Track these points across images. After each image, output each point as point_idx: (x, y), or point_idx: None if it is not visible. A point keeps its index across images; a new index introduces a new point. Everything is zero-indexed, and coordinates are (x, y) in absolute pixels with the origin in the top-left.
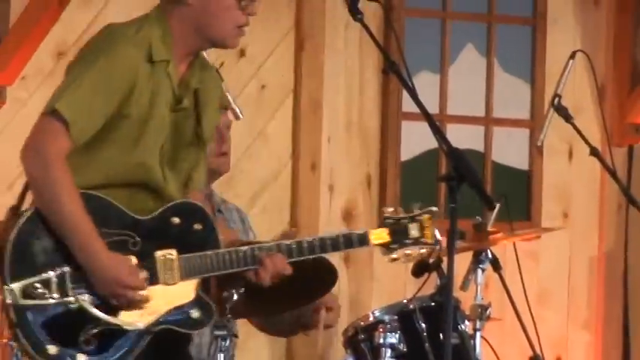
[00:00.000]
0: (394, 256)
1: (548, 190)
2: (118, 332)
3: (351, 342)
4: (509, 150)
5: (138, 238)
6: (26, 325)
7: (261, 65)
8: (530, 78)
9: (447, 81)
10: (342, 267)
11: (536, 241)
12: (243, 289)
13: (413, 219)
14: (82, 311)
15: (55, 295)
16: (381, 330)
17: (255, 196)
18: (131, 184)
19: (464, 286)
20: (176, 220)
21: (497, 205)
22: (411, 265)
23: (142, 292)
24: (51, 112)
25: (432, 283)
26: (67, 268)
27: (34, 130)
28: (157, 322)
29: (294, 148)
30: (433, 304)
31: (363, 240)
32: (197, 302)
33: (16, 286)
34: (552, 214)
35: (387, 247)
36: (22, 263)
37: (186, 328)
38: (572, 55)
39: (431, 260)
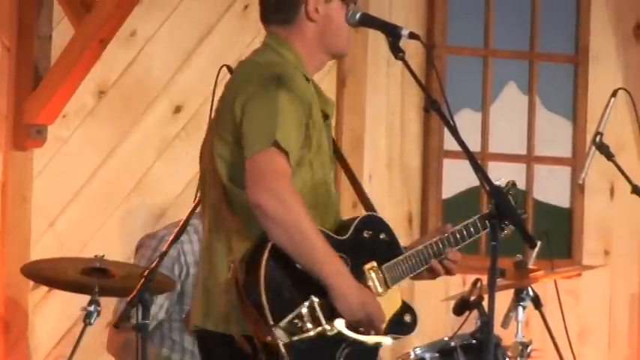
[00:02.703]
0: (505, 232)
1: (589, 228)
2: (361, 349)
3: None
4: (551, 188)
5: (347, 258)
6: None
7: None
8: (572, 116)
9: (489, 119)
10: None
11: (577, 278)
12: None
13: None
14: (338, 336)
15: (311, 326)
16: None
17: None
18: (317, 204)
19: (505, 324)
20: (367, 233)
21: (539, 243)
22: (452, 303)
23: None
24: (270, 147)
25: (472, 320)
26: (315, 299)
27: (258, 170)
28: (386, 334)
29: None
30: (474, 341)
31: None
32: (404, 306)
33: (282, 324)
34: (593, 251)
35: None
36: (278, 302)
37: (404, 333)
38: (614, 93)
39: (472, 298)
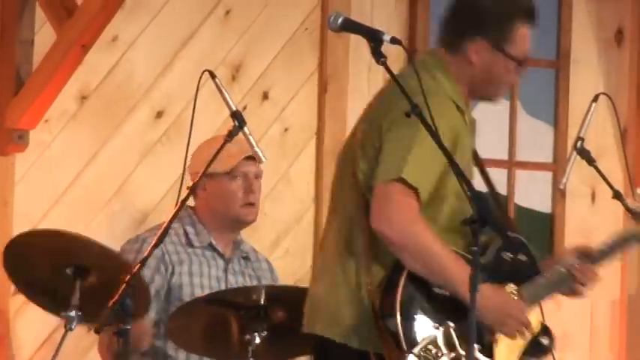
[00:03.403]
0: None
1: (570, 233)
2: None
3: None
4: (532, 193)
5: (487, 280)
6: None
7: (285, 108)
8: (554, 121)
9: None
10: None
11: None
12: (265, 332)
13: None
14: None
15: (445, 352)
16: None
17: (277, 239)
18: (453, 229)
19: None
20: (507, 255)
21: None
22: None
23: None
24: (396, 180)
25: None
26: (450, 323)
27: (381, 199)
28: (524, 355)
29: (317, 191)
30: None
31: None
32: (542, 328)
33: (416, 351)
34: None
35: None
36: (413, 329)
37: (540, 355)
38: (596, 98)
39: None
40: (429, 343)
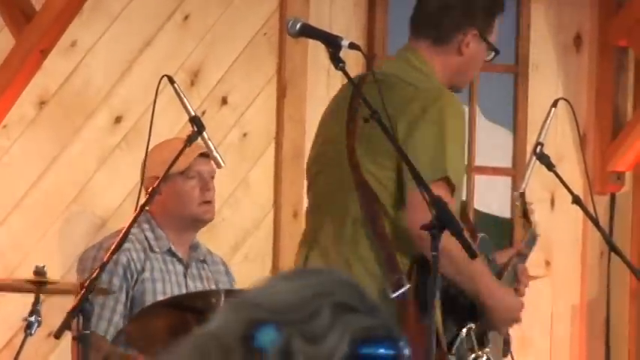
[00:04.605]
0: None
1: None
2: None
3: None
4: (491, 198)
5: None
6: None
7: (243, 113)
8: (513, 126)
9: None
10: None
11: None
12: None
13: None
14: None
15: (469, 353)
16: None
17: (236, 245)
18: None
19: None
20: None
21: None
22: None
23: None
24: (438, 181)
25: None
26: (471, 324)
27: (423, 203)
28: None
29: (276, 197)
30: None
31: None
32: None
33: (453, 351)
34: (534, 262)
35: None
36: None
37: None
38: (555, 103)
39: None
40: (459, 344)
